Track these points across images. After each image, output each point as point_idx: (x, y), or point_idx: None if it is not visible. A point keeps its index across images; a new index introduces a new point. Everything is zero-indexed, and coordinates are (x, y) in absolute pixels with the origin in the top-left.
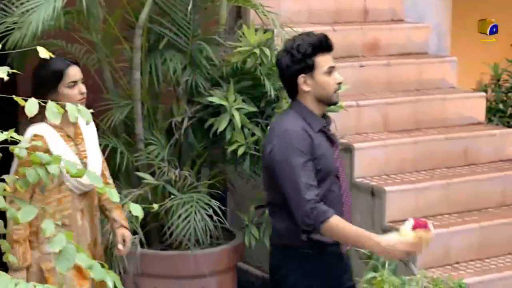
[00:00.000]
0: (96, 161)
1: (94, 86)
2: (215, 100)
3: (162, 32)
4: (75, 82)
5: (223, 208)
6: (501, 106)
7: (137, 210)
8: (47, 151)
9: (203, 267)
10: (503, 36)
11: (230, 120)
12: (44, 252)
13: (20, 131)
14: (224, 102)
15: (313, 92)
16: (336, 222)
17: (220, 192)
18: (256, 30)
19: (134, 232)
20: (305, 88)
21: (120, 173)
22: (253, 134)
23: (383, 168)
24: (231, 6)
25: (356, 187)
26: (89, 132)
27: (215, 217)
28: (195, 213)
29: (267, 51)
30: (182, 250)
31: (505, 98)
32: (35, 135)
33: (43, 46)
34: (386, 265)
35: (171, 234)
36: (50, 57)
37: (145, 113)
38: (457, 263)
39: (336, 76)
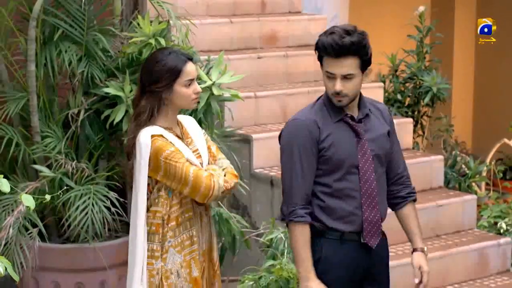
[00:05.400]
0: (207, 161)
1: None
2: (111, 91)
3: (57, 23)
4: (191, 81)
5: (121, 200)
6: (398, 96)
7: (28, 201)
8: None
9: (103, 260)
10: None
11: (127, 111)
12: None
13: (127, 136)
14: (120, 93)
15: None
16: (298, 231)
17: (118, 184)
18: (152, 21)
19: (34, 225)
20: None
21: (17, 166)
22: None
23: None
24: None
25: (255, 177)
26: (196, 132)
27: (114, 210)
28: (93, 205)
29: (163, 42)
30: (81, 243)
31: (402, 89)
32: (153, 136)
33: None
34: (285, 254)
35: (69, 227)
36: (163, 51)
37: (41, 105)
38: None
39: (337, 84)
